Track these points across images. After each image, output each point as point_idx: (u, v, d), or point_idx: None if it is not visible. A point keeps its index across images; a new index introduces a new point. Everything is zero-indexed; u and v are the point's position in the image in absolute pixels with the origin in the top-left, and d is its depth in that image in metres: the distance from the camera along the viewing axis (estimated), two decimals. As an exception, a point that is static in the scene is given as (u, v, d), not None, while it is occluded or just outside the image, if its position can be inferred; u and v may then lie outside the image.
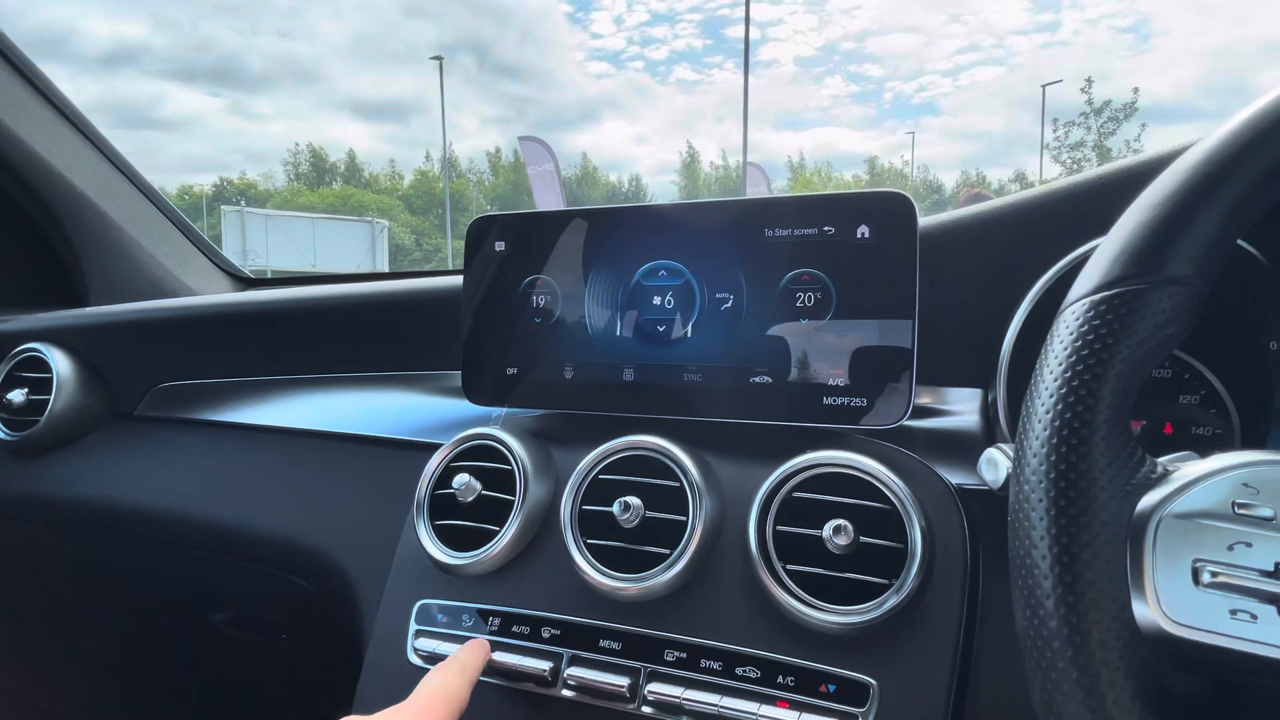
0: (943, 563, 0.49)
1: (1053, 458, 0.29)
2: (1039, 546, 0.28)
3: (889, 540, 0.48)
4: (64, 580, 0.91)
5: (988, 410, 0.57)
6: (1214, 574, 0.27)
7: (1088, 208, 0.56)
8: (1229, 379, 0.54)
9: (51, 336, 0.92)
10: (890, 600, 0.47)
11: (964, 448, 0.56)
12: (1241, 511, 0.27)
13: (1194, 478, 0.28)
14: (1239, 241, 0.49)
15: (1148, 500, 0.28)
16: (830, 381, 0.55)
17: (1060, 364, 0.30)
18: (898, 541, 0.48)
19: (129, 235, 1.09)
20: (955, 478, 0.53)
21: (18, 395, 0.89)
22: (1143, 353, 0.29)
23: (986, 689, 0.48)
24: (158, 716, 1.08)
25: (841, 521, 0.48)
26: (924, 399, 0.60)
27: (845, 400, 0.54)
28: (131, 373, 0.91)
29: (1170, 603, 0.27)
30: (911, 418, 0.55)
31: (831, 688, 0.47)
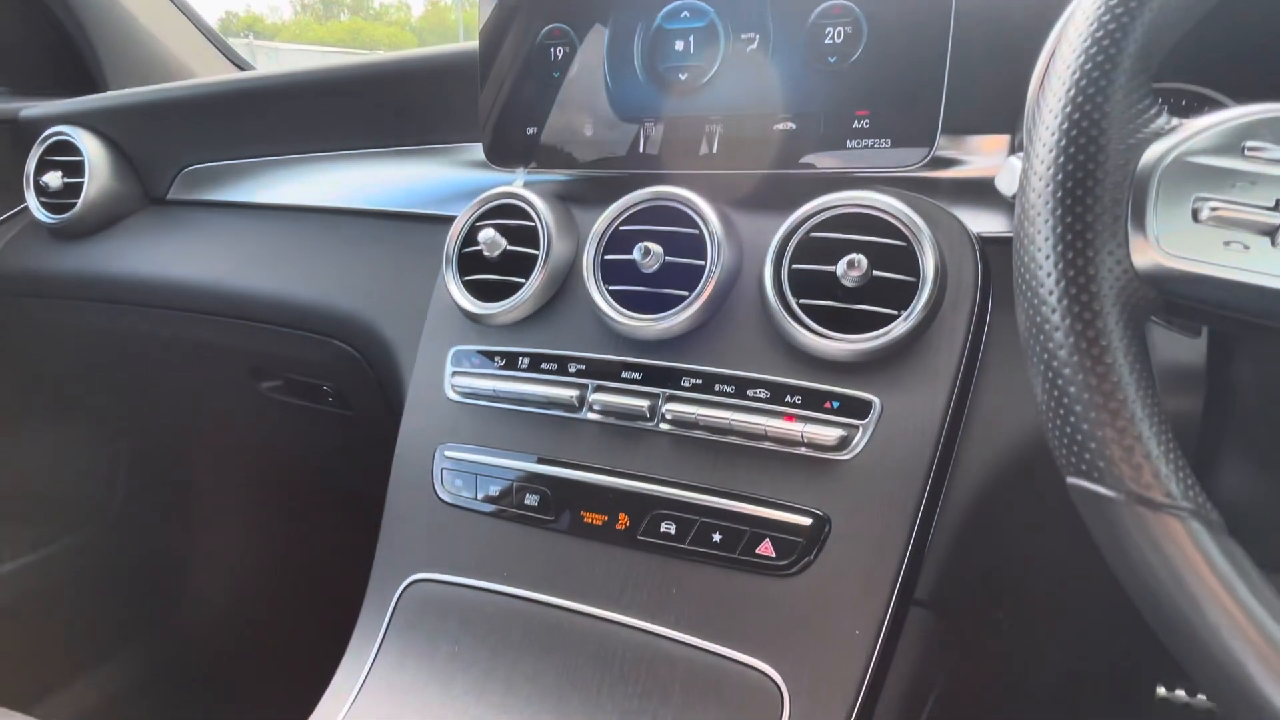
0: (952, 297, 0.50)
1: (1068, 109, 0.29)
2: (1044, 195, 0.29)
3: (901, 274, 0.49)
4: (115, 354, 0.97)
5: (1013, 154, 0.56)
6: (1213, 209, 0.27)
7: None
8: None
9: (77, 120, 0.92)
10: (898, 329, 0.49)
11: (986, 195, 0.56)
12: (1250, 154, 0.27)
13: (1206, 125, 0.28)
14: None
15: (1156, 147, 0.28)
16: (855, 124, 0.54)
17: (1089, 18, 0.29)
18: (909, 275, 0.49)
19: (141, 25, 1.06)
20: (975, 226, 0.53)
21: (54, 179, 0.90)
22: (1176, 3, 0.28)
23: (982, 412, 0.51)
24: (212, 479, 1.19)
25: (856, 255, 0.49)
26: (949, 151, 0.59)
27: (869, 142, 0.53)
28: (158, 156, 0.91)
29: (1168, 239, 0.28)
30: (935, 168, 0.55)
31: (836, 404, 0.50)
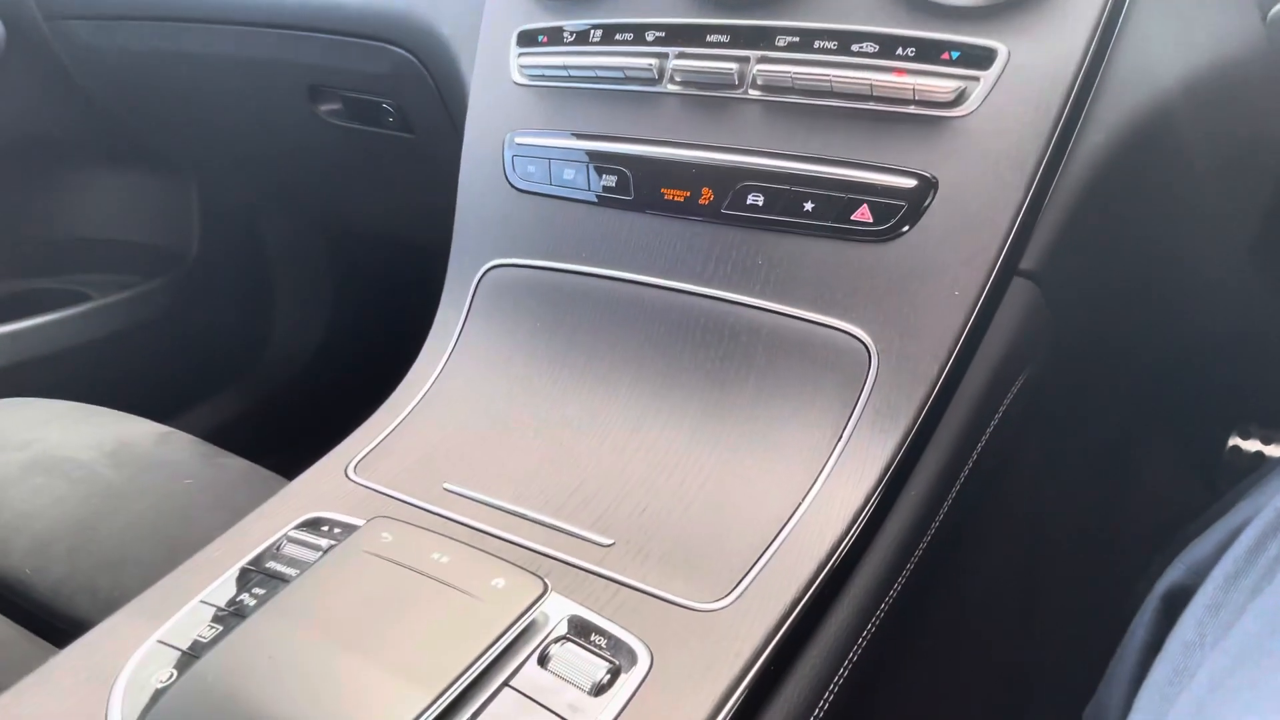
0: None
1: None
2: None
3: None
4: (170, 83, 0.93)
5: None
6: None
7: None
8: None
9: None
10: (1038, -40, 0.42)
11: None
12: None
13: None
14: None
15: None
16: None
17: None
18: None
19: None
20: None
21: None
22: None
23: (1123, 63, 0.44)
24: (281, 222, 1.21)
25: None
26: None
27: None
28: None
29: None
30: None
31: (955, 54, 0.44)
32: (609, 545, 0.41)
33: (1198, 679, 0.29)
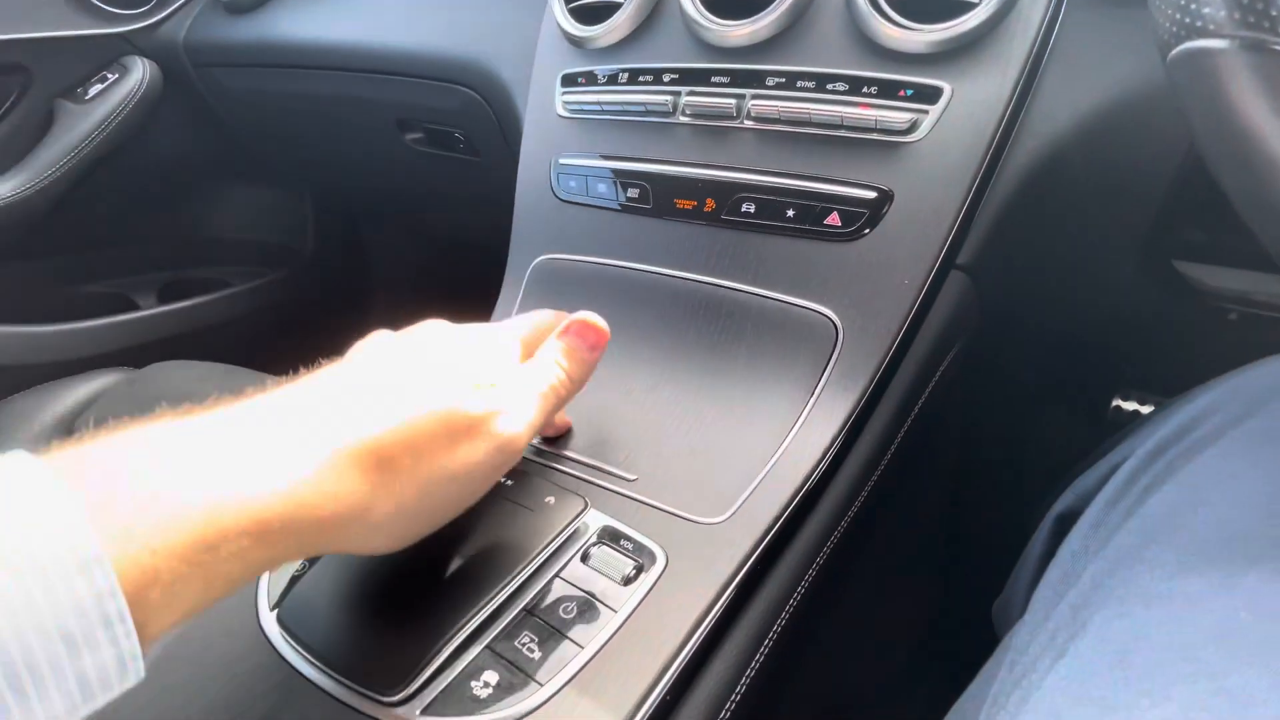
0: (1031, -8, 0.41)
1: None
2: None
3: None
4: (289, 115, 0.93)
5: None
6: None
7: None
8: None
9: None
10: (977, 15, 0.41)
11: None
12: None
13: None
14: None
15: None
16: None
17: None
18: None
19: None
20: None
21: (217, -46, 0.82)
22: None
23: (1043, 99, 0.43)
24: (377, 226, 1.20)
25: None
26: None
27: None
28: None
29: None
30: None
31: (909, 92, 0.43)
32: (634, 480, 0.41)
33: (1083, 580, 0.29)
